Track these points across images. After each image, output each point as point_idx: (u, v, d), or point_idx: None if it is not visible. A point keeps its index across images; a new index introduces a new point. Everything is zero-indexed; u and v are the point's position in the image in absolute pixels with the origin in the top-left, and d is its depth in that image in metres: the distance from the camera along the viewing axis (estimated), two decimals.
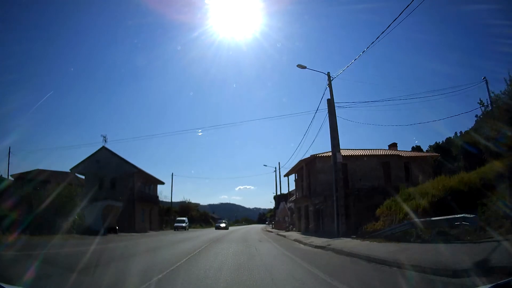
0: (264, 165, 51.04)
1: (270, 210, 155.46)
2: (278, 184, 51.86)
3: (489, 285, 3.03)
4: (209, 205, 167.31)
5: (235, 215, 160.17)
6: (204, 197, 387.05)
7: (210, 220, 76.07)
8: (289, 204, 44.42)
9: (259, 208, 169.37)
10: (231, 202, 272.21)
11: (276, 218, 47.46)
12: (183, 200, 61.88)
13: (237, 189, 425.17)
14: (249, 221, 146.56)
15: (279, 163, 51.00)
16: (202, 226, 62.40)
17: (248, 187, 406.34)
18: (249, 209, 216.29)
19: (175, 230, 43.06)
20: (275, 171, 52.56)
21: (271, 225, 68.78)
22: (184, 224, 44.79)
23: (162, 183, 47.72)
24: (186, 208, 60.57)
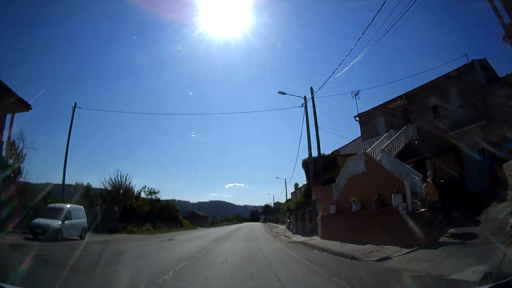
0: (280, 92, 18.70)
1: (267, 205, 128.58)
2: (314, 122, 22.16)
3: (489, 285, 2.93)
4: (199, 202, 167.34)
5: (223, 211, 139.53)
6: (194, 195, 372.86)
7: (180, 218, 45.70)
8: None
9: (249, 205, 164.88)
10: (222, 200, 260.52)
11: (333, 208, 17.11)
12: (117, 177, 31.46)
13: (227, 186, 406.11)
14: (240, 219, 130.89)
15: (311, 88, 19.86)
16: (154, 230, 32.28)
17: (238, 184, 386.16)
18: (239, 206, 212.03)
19: (34, 236, 14.26)
20: (305, 103, 23.17)
21: (285, 225, 39.70)
22: (56, 224, 14.91)
23: (25, 105, 17.40)
24: (121, 193, 30.44)
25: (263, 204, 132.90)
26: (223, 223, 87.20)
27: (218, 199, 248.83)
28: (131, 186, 32.05)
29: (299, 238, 19.51)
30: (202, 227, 62.78)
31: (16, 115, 18.34)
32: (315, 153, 22.59)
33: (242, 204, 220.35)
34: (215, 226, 69.87)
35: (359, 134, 22.75)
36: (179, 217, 44.34)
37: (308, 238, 18.03)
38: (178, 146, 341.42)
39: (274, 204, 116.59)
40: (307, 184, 22.16)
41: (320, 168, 21.93)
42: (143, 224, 32.38)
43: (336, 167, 22.77)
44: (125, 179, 31.64)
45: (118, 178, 31.29)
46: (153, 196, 41.83)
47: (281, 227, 44.97)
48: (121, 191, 31.03)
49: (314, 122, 23.00)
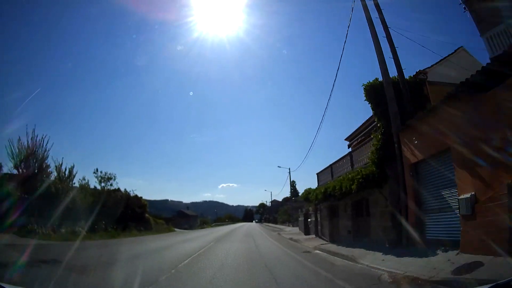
0: None
1: (262, 204, 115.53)
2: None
3: (489, 285, 2.80)
4: (192, 202, 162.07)
5: (215, 211, 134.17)
6: (187, 195, 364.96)
7: (148, 216, 32.73)
8: None
9: (243, 206, 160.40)
10: (215, 200, 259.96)
11: None
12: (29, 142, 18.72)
13: (220, 186, 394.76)
14: (234, 219, 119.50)
15: None
16: (88, 233, 19.56)
17: (231, 184, 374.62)
18: (233, 206, 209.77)
19: None
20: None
21: (299, 227, 27.31)
22: None
23: None
24: (30, 168, 17.78)
25: (257, 204, 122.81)
26: (212, 224, 73.95)
27: (211, 199, 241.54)
28: (45, 155, 19.20)
29: (395, 264, 7.07)
30: (188, 229, 50.14)
31: None
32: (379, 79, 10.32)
33: (235, 204, 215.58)
34: (204, 228, 57.20)
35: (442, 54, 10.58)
36: (147, 215, 31.52)
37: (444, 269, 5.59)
38: (171, 147, 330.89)
39: (271, 202, 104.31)
40: (382, 133, 9.70)
41: (407, 98, 9.65)
42: (74, 222, 19.69)
43: (423, 99, 10.42)
44: (42, 148, 18.89)
45: (28, 144, 18.51)
46: (106, 185, 29.12)
47: (289, 230, 32.57)
48: (31, 165, 18.29)
49: (379, 17, 10.72)
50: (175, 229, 37.72)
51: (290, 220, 60.08)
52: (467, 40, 42.14)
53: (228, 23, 56.33)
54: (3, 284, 3.41)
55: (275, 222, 77.57)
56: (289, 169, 45.29)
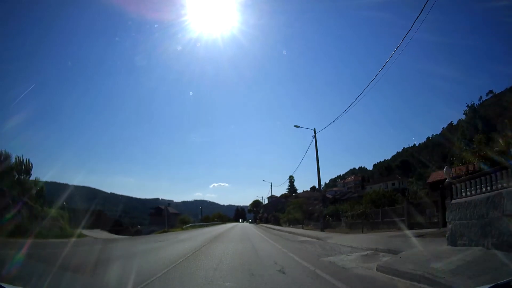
0: None
1: (256, 201, 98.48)
2: None
3: (489, 285, 2.85)
4: (183, 202, 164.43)
5: (200, 208, 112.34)
6: (178, 194, 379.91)
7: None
8: None
9: (234, 205, 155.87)
10: (206, 199, 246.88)
11: None
12: None
13: (211, 186, 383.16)
14: (223, 218, 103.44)
15: None
16: None
17: (222, 184, 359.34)
18: (224, 206, 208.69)
19: None
20: None
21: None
22: None
23: None
24: None
25: (248, 204, 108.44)
26: (185, 226, 51.97)
27: (202, 199, 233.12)
28: None
29: None
30: (140, 233, 30.05)
31: None
32: None
33: (226, 204, 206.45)
34: (167, 232, 37.03)
35: None
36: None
37: None
38: (164, 146, 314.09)
39: (269, 198, 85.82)
40: None
41: None
42: None
43: None
44: None
45: None
46: None
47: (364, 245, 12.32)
48: None
49: None
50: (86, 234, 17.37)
51: (303, 219, 40.48)
52: None
53: (225, 22, 61.63)
54: (3, 284, 3.53)
55: (277, 223, 58.17)
56: (314, 129, 26.32)
